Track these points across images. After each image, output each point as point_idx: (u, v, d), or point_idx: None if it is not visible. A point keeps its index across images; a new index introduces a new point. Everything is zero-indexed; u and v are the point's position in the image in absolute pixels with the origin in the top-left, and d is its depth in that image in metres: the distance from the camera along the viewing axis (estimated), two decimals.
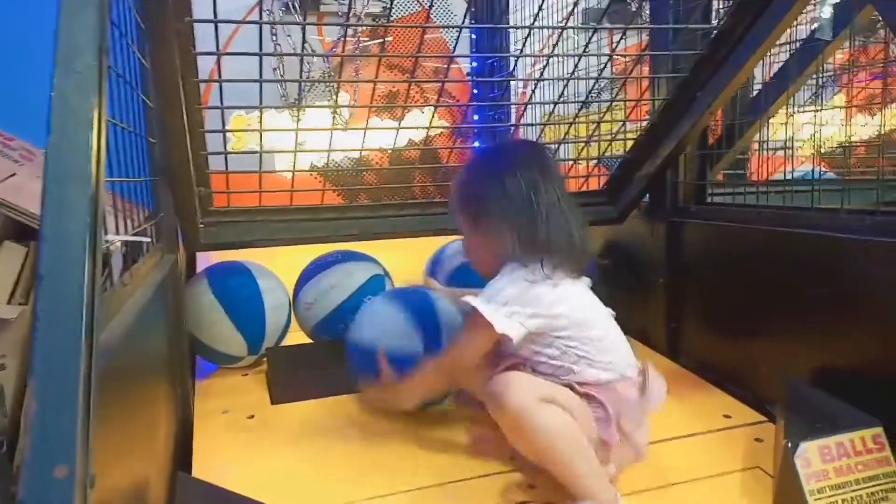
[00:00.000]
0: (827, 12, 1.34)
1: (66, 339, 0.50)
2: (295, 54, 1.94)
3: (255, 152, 1.44)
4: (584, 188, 1.86)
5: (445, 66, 2.82)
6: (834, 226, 1.20)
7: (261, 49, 1.22)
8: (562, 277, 1.08)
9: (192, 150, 1.32)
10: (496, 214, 1.09)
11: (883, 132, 1.92)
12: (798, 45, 1.52)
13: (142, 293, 0.97)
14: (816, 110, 1.44)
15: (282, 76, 2.23)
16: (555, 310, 1.06)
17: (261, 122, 1.43)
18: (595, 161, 1.86)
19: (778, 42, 1.51)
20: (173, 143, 1.24)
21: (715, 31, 1.38)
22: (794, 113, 1.62)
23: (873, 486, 1.00)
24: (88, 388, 0.51)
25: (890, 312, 1.10)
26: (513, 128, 2.39)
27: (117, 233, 0.88)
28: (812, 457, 1.00)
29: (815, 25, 1.38)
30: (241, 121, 2.46)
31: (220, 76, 1.26)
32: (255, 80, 1.26)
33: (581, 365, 1.07)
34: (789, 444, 1.01)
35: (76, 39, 0.61)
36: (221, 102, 1.32)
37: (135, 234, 0.94)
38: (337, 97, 1.43)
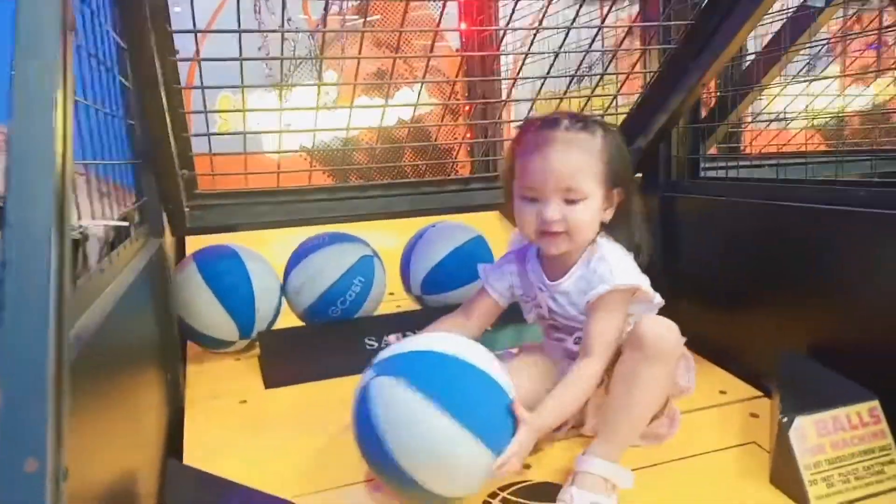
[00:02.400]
0: None
1: (34, 328, 0.48)
2: (274, 31, 1.89)
3: (237, 133, 1.41)
4: None
5: (433, 43, 2.78)
6: (827, 198, 1.18)
7: (239, 26, 1.19)
8: None
9: (174, 131, 1.29)
10: (625, 184, 1.10)
11: (876, 103, 1.90)
12: (790, 13, 1.49)
13: (123, 278, 0.94)
14: (808, 80, 1.42)
15: (267, 55, 2.18)
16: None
17: (243, 102, 1.40)
18: None
19: (770, 11, 1.48)
20: (153, 125, 1.21)
21: (704, 1, 1.35)
22: (786, 84, 1.59)
23: (869, 459, 1.00)
24: (59, 379, 0.49)
25: (884, 285, 1.09)
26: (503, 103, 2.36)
27: (97, 217, 0.85)
28: (807, 431, 1.00)
29: None
30: (228, 102, 2.42)
31: (197, 55, 1.23)
32: (233, 59, 1.22)
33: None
34: (784, 419, 1.00)
35: (38, 17, 0.58)
36: (201, 82, 1.28)
37: (111, 219, 0.92)
38: (319, 76, 1.39)
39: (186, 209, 1.50)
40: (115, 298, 0.83)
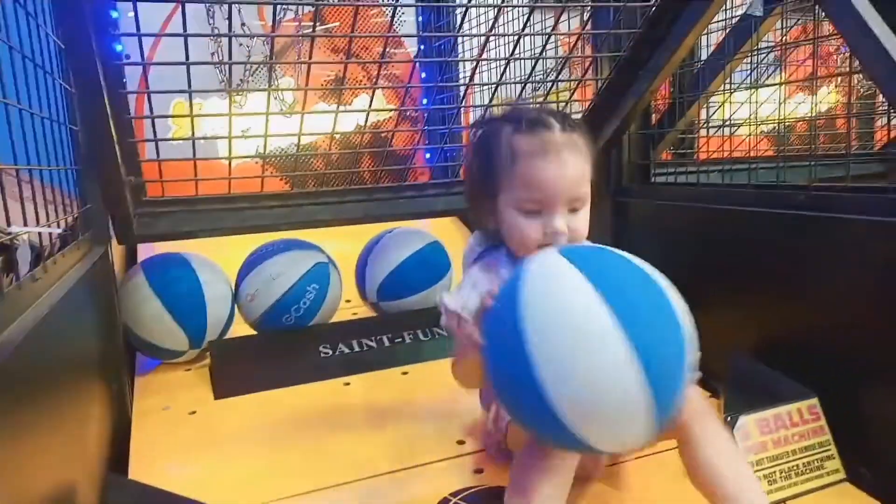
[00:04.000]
0: None
1: None
2: (222, 35, 1.87)
3: (185, 139, 1.38)
4: None
5: (392, 49, 2.78)
6: (769, 202, 1.21)
7: (185, 29, 1.17)
8: None
9: (118, 137, 1.26)
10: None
11: (814, 112, 1.96)
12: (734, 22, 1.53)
13: (60, 287, 0.92)
14: (752, 88, 1.45)
15: (220, 59, 2.15)
16: None
17: (190, 107, 1.38)
18: None
19: (717, 20, 1.52)
20: (95, 130, 1.18)
21: (653, 10, 1.38)
22: (732, 91, 1.63)
23: (809, 455, 1.02)
24: None
25: (823, 286, 1.12)
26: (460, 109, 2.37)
27: (28, 224, 0.83)
28: (751, 429, 1.02)
29: (749, 2, 1.39)
30: (183, 108, 2.37)
31: (142, 59, 1.20)
32: (179, 63, 1.20)
33: None
34: (728, 418, 1.02)
35: None
36: (147, 87, 1.26)
37: (45, 226, 0.89)
38: (270, 81, 1.37)
39: (135, 216, 1.46)
40: (48, 308, 0.81)
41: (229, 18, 1.16)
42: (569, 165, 0.90)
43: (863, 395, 1.04)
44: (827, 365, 1.09)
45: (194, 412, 1.35)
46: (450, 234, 2.20)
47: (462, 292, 0.93)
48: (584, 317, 0.68)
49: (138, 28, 1.14)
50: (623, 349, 0.66)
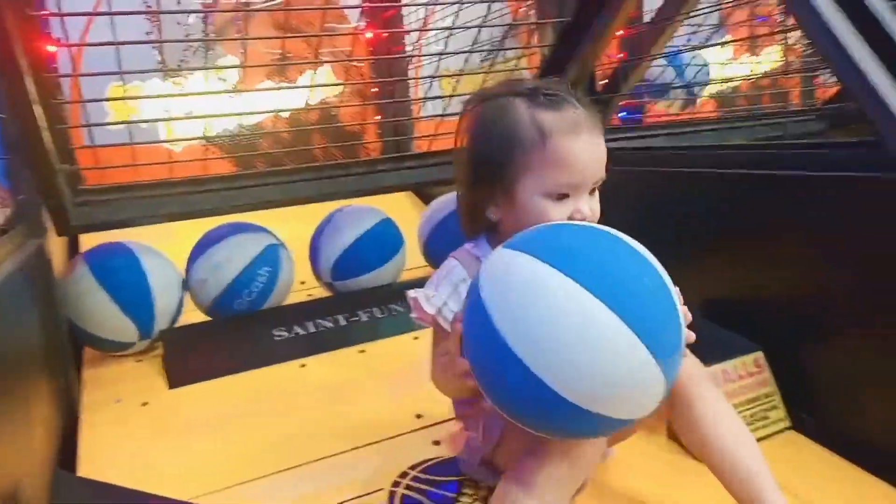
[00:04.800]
0: None
1: None
2: (154, 12, 1.80)
3: (118, 123, 1.34)
4: None
5: (338, 25, 2.72)
6: (711, 163, 1.23)
7: (110, 6, 1.11)
8: None
9: (48, 123, 1.21)
10: None
11: (754, 73, 1.99)
12: None
13: None
14: (691, 49, 1.47)
15: (157, 39, 2.07)
16: None
17: (123, 90, 1.32)
18: None
19: None
20: (20, 117, 1.13)
21: None
22: (673, 53, 1.64)
23: (755, 406, 1.05)
24: None
25: (764, 242, 1.14)
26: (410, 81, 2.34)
27: None
28: None
29: None
30: (119, 91, 2.29)
31: (68, 40, 1.15)
32: (109, 44, 1.15)
33: None
34: None
35: None
36: (74, 70, 1.20)
37: None
38: (205, 59, 1.33)
39: (72, 206, 1.41)
40: None
41: None
42: (599, 144, 0.82)
43: (804, 347, 1.07)
44: (771, 319, 1.12)
45: (146, 403, 1.32)
46: (403, 209, 2.19)
47: (440, 290, 0.85)
48: (562, 303, 0.63)
49: (59, 7, 1.09)
50: (611, 321, 0.62)
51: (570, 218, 0.80)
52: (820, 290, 1.05)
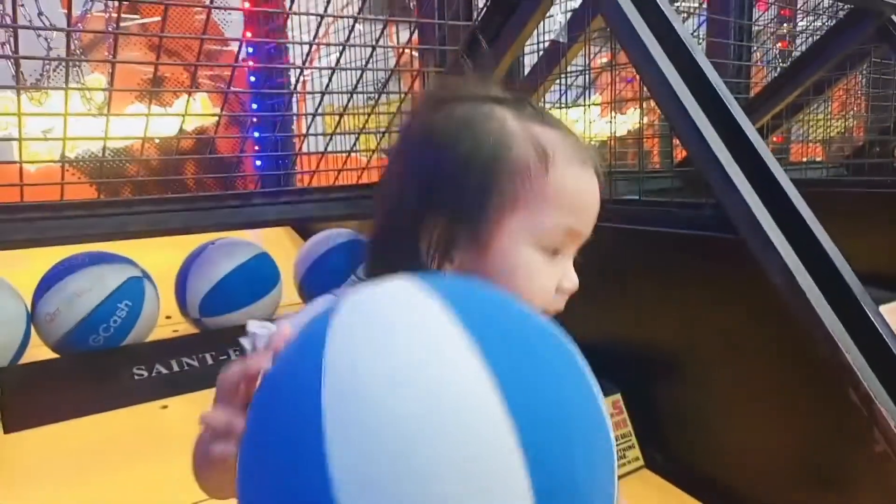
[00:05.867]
0: (560, 18, 1.47)
1: None
2: (10, 26, 1.67)
3: None
4: (361, 180, 1.85)
5: (218, 48, 2.66)
6: None
7: None
8: None
9: None
10: None
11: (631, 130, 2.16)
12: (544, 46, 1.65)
13: None
14: (561, 108, 1.58)
15: (13, 52, 1.92)
16: None
17: None
18: (374, 153, 1.86)
19: (532, 43, 1.62)
20: None
21: (474, 25, 1.44)
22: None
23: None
24: None
25: (624, 290, 1.23)
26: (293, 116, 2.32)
27: None
28: None
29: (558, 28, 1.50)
30: None
31: None
32: None
33: None
34: None
35: None
36: None
37: None
38: (68, 80, 1.25)
39: None
40: None
41: (14, 7, 1.03)
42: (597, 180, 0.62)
43: (657, 391, 1.16)
44: (628, 364, 1.20)
45: None
46: (281, 244, 2.14)
47: (291, 319, 0.53)
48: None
49: None
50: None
51: (558, 288, 0.62)
52: (674, 337, 1.14)
